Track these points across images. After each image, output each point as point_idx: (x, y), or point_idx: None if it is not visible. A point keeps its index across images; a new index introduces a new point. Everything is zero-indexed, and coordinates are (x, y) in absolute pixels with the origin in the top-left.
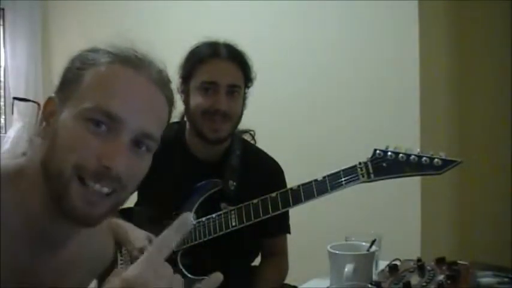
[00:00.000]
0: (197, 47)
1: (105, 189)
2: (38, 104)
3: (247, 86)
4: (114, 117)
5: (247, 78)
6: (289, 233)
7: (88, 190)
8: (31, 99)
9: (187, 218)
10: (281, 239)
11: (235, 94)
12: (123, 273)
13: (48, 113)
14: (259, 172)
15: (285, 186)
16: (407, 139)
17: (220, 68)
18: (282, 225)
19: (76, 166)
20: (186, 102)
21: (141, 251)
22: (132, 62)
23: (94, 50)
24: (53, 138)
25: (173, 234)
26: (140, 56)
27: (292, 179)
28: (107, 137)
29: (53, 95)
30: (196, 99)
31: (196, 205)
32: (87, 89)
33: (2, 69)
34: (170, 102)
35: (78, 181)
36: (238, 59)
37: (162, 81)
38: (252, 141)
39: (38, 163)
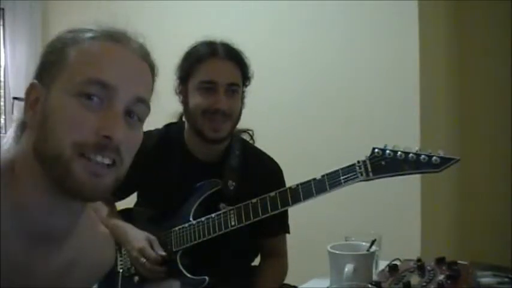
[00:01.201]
0: (194, 47)
1: (107, 160)
2: None
3: (245, 85)
4: (107, 86)
5: (245, 76)
6: (289, 232)
7: (91, 162)
8: None
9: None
10: (280, 238)
11: (234, 93)
12: None
13: (32, 100)
14: (259, 172)
15: (284, 186)
16: (407, 139)
17: (218, 67)
18: (281, 225)
19: (75, 144)
20: (185, 102)
21: (141, 251)
22: (113, 37)
23: (73, 31)
24: (43, 123)
25: None
26: (120, 31)
27: (292, 179)
28: (101, 108)
29: (34, 81)
30: (196, 99)
31: (195, 205)
32: (74, 66)
33: (2, 69)
34: (153, 71)
35: (79, 157)
36: (236, 58)
37: (144, 52)
38: (251, 141)
39: (28, 154)
